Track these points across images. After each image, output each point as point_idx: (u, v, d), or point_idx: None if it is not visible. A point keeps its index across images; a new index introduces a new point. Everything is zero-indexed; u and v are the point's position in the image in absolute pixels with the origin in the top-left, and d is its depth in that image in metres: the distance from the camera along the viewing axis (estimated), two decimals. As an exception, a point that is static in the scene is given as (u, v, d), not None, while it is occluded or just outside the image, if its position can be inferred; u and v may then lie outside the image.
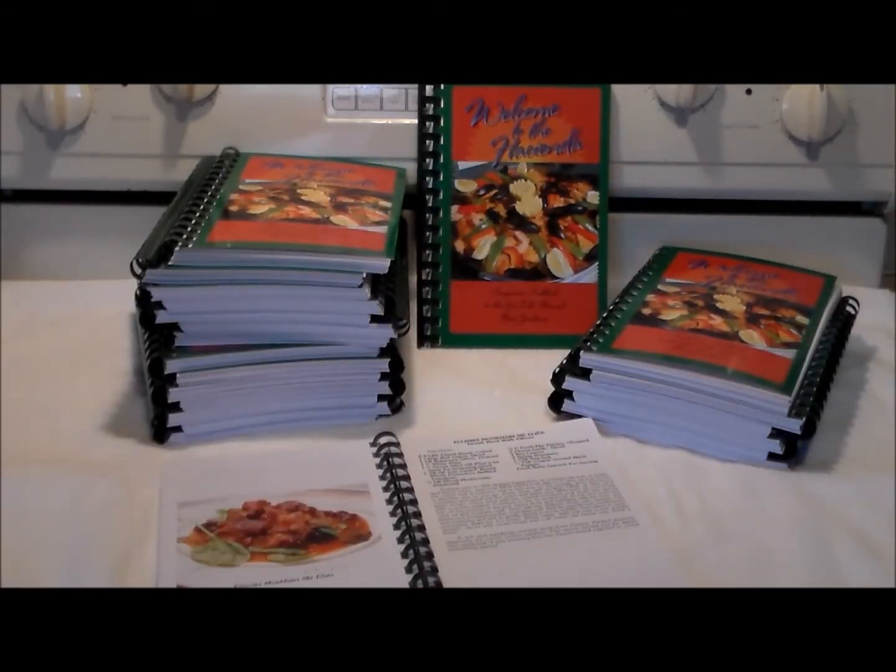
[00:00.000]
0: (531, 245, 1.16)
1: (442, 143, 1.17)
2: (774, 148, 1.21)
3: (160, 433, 0.97)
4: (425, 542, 0.85)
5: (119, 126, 1.19)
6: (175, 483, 0.92)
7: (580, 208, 1.17)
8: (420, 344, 1.15)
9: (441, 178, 1.17)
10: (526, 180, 1.17)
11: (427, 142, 1.17)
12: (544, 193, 1.17)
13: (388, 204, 1.08)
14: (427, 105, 1.18)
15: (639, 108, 1.20)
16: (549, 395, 1.02)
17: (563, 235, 1.17)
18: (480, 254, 1.16)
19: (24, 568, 0.82)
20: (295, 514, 0.88)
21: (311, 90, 1.20)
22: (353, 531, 0.86)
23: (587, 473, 0.94)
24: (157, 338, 0.98)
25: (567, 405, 1.02)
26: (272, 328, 0.98)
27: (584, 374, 1.00)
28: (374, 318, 0.98)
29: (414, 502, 0.89)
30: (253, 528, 0.86)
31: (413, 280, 1.16)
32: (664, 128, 1.21)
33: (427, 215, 1.16)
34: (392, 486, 0.91)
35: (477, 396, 1.06)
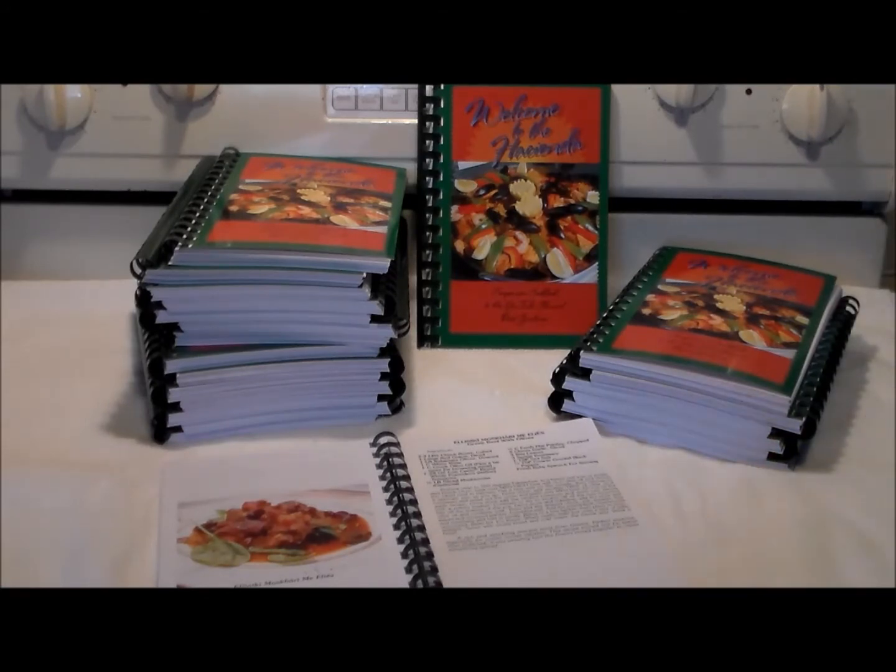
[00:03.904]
0: (531, 245, 1.16)
1: (442, 143, 1.17)
2: (774, 148, 1.21)
3: (160, 433, 0.97)
4: (425, 542, 0.85)
5: (119, 126, 1.19)
6: (175, 483, 0.92)
7: (580, 208, 1.17)
8: (420, 344, 1.15)
9: (441, 178, 1.17)
10: (526, 180, 1.17)
11: (427, 142, 1.17)
12: (544, 193, 1.17)
13: (388, 204, 1.08)
14: (427, 105, 1.18)
15: (639, 108, 1.20)
16: (549, 395, 1.02)
17: (563, 235, 1.17)
18: (480, 254, 1.16)
19: (24, 568, 0.82)
20: (295, 514, 0.88)
21: (311, 90, 1.20)
22: (353, 531, 0.86)
23: (587, 473, 0.94)
24: (157, 338, 0.98)
25: (567, 405, 1.02)
26: (272, 328, 0.98)
27: (584, 374, 1.00)
28: (374, 318, 0.98)
29: (414, 502, 0.89)
30: (253, 528, 0.86)
31: (413, 280, 1.16)
32: (664, 128, 1.21)
33: (427, 215, 1.16)
34: (392, 486, 0.91)
35: (477, 396, 1.06)
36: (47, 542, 0.85)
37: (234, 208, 1.03)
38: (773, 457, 0.96)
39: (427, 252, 1.16)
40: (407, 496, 0.89)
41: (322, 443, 0.98)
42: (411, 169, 1.18)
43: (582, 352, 1.00)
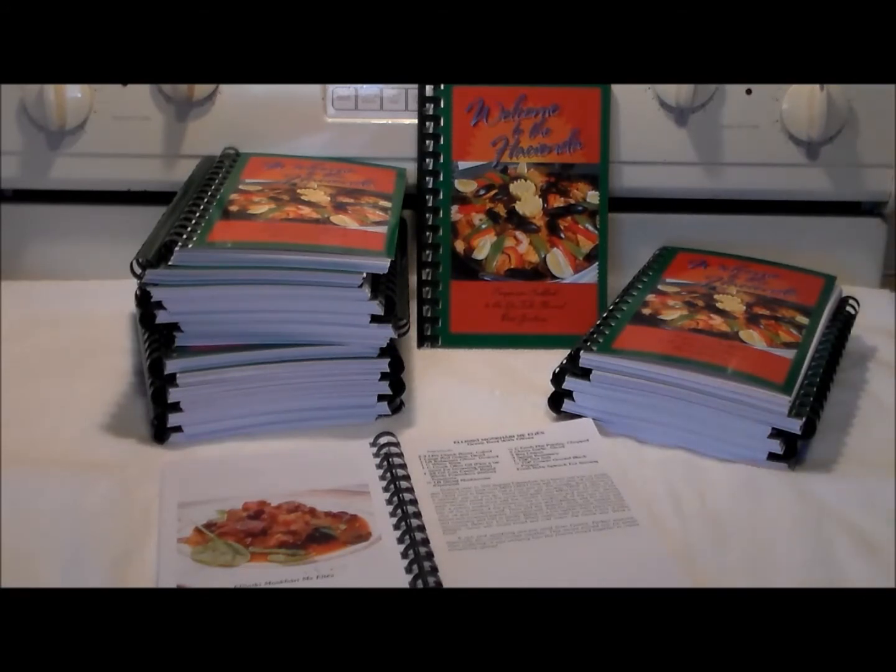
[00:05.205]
0: (531, 245, 1.16)
1: (442, 143, 1.17)
2: (774, 148, 1.21)
3: (160, 433, 0.97)
4: (425, 542, 0.85)
5: (119, 126, 1.19)
6: (175, 483, 0.92)
7: (580, 208, 1.17)
8: (420, 344, 1.15)
9: (441, 178, 1.17)
10: (526, 180, 1.17)
11: (427, 142, 1.17)
12: (544, 193, 1.17)
13: (388, 204, 1.08)
14: (427, 105, 1.18)
15: (639, 108, 1.20)
16: (549, 395, 1.02)
17: (563, 235, 1.17)
18: (480, 254, 1.16)
19: (24, 568, 0.82)
20: (295, 514, 0.88)
21: (311, 90, 1.20)
22: (353, 531, 0.86)
23: (587, 473, 0.94)
24: (157, 338, 0.98)
25: (567, 405, 1.02)
26: (272, 328, 0.98)
27: (584, 374, 1.00)
28: (374, 318, 0.98)
29: (414, 502, 0.89)
30: (253, 528, 0.86)
31: (413, 280, 1.16)
32: (664, 128, 1.21)
33: (427, 215, 1.16)
34: (392, 486, 0.91)
35: (477, 396, 1.06)
36: (47, 542, 0.85)
37: (234, 208, 1.03)
38: (773, 457, 0.96)
39: (427, 252, 1.16)
40: (407, 496, 0.89)
41: (322, 443, 0.98)
42: (411, 169, 1.18)
43: (582, 352, 1.00)
